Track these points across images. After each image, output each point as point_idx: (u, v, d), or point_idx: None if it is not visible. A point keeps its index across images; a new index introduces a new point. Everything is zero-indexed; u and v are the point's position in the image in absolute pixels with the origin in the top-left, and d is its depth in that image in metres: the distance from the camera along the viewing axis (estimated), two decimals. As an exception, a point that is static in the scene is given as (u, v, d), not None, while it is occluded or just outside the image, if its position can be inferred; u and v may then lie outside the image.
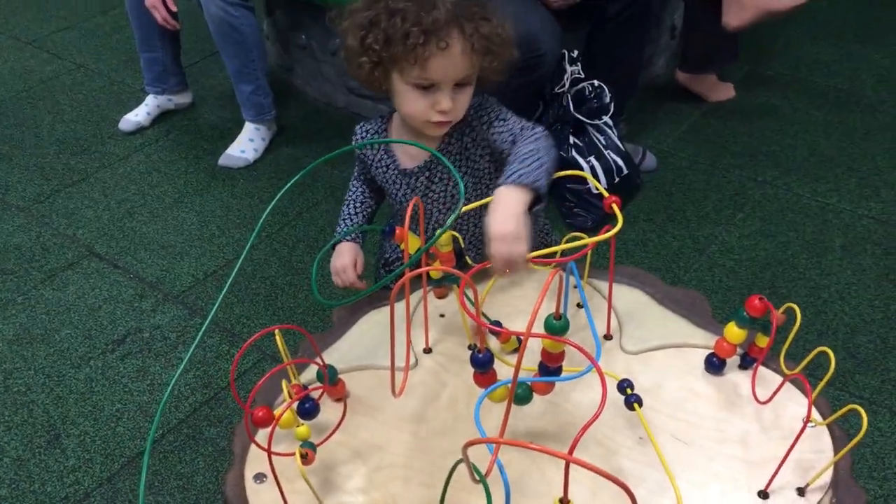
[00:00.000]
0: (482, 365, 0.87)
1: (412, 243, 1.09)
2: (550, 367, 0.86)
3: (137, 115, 2.72)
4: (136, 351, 1.90)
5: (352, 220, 1.33)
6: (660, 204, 2.26)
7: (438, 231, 0.93)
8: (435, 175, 1.25)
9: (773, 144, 2.48)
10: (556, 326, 0.81)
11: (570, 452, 0.66)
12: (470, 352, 1.07)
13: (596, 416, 0.74)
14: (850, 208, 2.20)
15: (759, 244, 2.10)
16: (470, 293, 1.10)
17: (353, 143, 1.28)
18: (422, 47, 1.08)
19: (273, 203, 0.94)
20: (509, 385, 0.84)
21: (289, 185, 0.96)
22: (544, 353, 0.85)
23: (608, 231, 0.95)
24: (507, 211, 1.01)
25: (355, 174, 1.36)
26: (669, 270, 2.02)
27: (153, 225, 2.30)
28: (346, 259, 1.27)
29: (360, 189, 1.36)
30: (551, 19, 2.00)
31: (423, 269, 0.87)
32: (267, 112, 2.56)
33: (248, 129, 2.57)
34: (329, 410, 1.01)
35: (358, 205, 1.35)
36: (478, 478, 0.72)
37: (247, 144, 2.55)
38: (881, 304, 1.89)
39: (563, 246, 0.96)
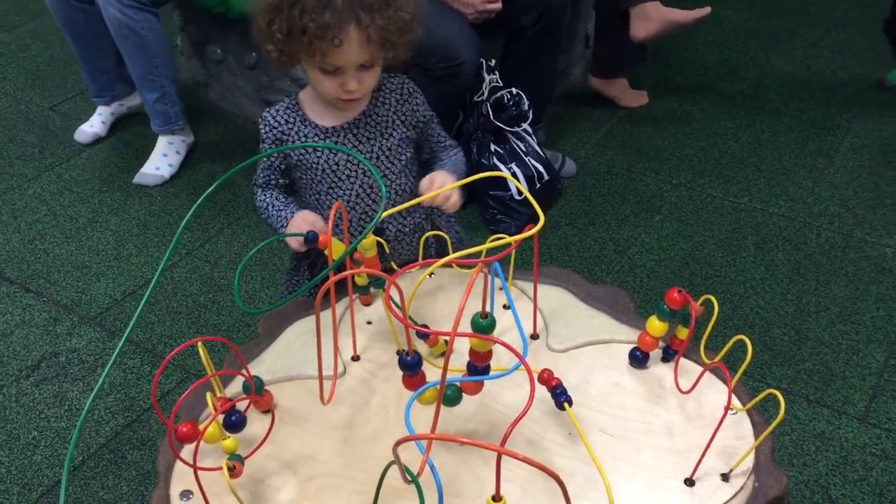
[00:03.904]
0: (410, 367, 0.87)
1: (336, 249, 1.08)
2: (479, 367, 0.87)
3: (93, 126, 2.64)
4: (51, 376, 1.83)
5: (288, 208, 1.28)
6: (580, 209, 2.30)
7: (360, 236, 0.93)
8: (362, 134, 1.26)
9: (686, 148, 2.55)
10: (483, 325, 0.81)
11: (502, 445, 0.66)
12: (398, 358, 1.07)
13: (525, 411, 0.75)
14: (761, 207, 2.28)
15: (676, 244, 2.16)
16: (396, 296, 1.09)
17: (262, 130, 1.29)
18: (318, 41, 1.12)
19: (189, 215, 0.92)
20: (438, 386, 0.85)
21: (205, 194, 0.94)
22: (472, 352, 0.86)
23: (530, 230, 0.96)
24: (444, 175, 1.24)
25: (261, 182, 1.32)
26: (592, 273, 2.06)
27: (67, 246, 2.23)
28: (310, 216, 1.22)
29: (271, 193, 1.32)
30: (469, 28, 2.02)
31: (347, 273, 0.86)
32: (174, 121, 2.47)
33: (161, 143, 2.50)
34: (256, 423, 0.99)
35: (282, 198, 1.31)
36: (409, 479, 0.72)
37: (161, 161, 2.48)
38: (794, 298, 1.97)
39: (487, 245, 0.97)
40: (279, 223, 1.27)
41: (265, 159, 1.31)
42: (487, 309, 0.83)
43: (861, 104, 2.70)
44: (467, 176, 1.17)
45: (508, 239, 0.97)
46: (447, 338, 1.07)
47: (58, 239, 2.25)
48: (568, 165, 2.42)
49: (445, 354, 0.74)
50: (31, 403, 1.76)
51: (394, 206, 1.31)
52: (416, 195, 1.33)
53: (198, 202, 0.91)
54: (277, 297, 1.47)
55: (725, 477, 0.92)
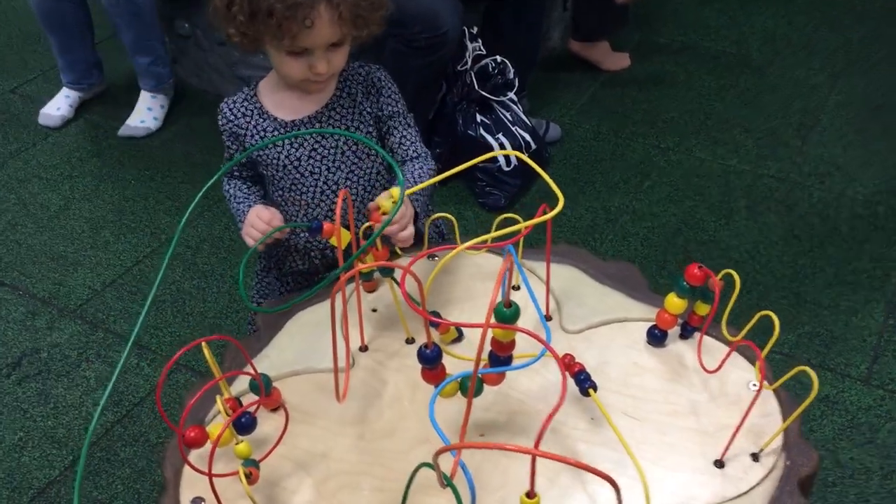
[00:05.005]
0: (431, 361, 0.82)
1: (344, 238, 1.03)
2: (502, 357, 0.83)
3: (60, 109, 2.57)
4: (34, 373, 1.76)
5: (248, 200, 1.22)
6: (568, 177, 2.26)
7: (378, 227, 0.88)
8: (325, 128, 1.20)
9: (672, 111, 2.52)
10: (508, 314, 0.77)
11: (536, 447, 0.63)
12: (408, 346, 1.03)
13: (559, 405, 0.71)
14: (751, 168, 2.26)
15: (668, 210, 2.12)
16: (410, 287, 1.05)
17: (220, 122, 1.22)
18: (288, 23, 1.05)
19: (184, 218, 0.87)
20: (459, 380, 0.81)
21: (197, 197, 0.89)
22: (495, 342, 0.81)
23: (545, 212, 0.92)
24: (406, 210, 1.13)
25: (226, 175, 1.26)
26: (586, 243, 2.02)
27: (40, 236, 2.14)
28: (265, 214, 1.14)
29: (234, 184, 1.26)
30: (450, -4, 1.96)
31: (362, 267, 0.81)
32: (165, 80, 2.54)
33: (145, 98, 2.53)
34: (265, 422, 0.95)
35: (245, 189, 1.25)
36: (446, 483, 0.68)
37: (146, 114, 2.52)
38: (790, 260, 1.95)
39: (499, 231, 0.92)
40: (238, 217, 1.20)
41: (227, 149, 1.25)
42: (501, 294, 0.79)
43: (844, 59, 2.67)
44: (437, 180, 1.12)
45: (522, 224, 0.93)
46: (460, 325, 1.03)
47: (30, 229, 2.17)
48: (552, 130, 2.37)
49: (478, 348, 0.70)
50: (15, 403, 1.70)
51: (363, 203, 1.24)
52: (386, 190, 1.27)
53: (191, 206, 0.87)
54: (251, 297, 1.39)
55: (756, 457, 0.90)
